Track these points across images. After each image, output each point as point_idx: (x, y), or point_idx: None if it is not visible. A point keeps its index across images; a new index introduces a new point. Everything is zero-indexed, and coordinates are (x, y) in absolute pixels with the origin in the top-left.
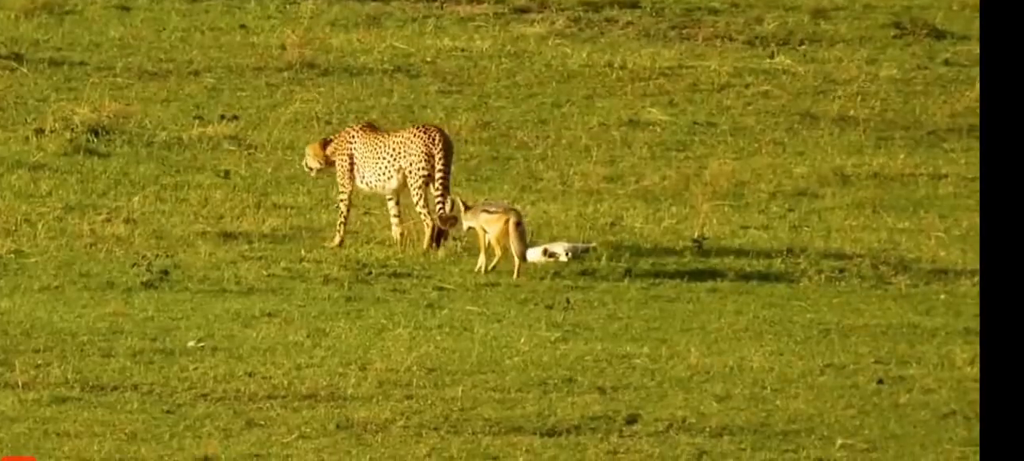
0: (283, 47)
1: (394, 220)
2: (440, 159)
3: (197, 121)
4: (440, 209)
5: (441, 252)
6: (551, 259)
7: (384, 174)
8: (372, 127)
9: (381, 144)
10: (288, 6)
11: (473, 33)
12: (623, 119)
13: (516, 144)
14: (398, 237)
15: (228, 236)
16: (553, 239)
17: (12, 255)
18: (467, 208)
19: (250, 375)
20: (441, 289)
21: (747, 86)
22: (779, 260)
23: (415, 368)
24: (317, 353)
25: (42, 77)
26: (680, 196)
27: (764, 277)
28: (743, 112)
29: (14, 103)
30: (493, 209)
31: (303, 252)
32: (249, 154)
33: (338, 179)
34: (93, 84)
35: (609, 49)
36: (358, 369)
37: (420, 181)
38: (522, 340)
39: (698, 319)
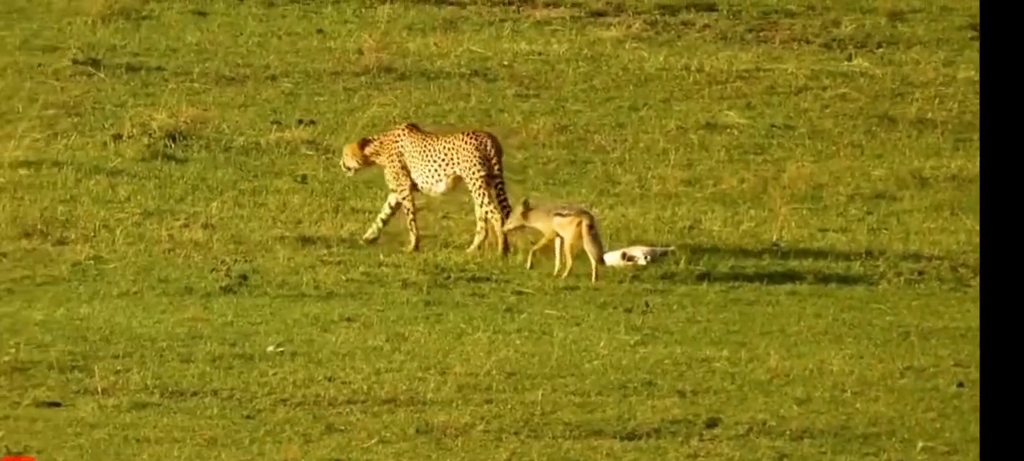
0: (360, 52)
1: (409, 218)
2: (495, 163)
3: (275, 126)
4: (505, 210)
5: (525, 260)
6: (630, 263)
7: (433, 177)
8: (417, 128)
9: (430, 147)
10: (365, 10)
11: (550, 37)
12: (700, 122)
13: (594, 148)
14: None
15: (306, 241)
16: (632, 243)
17: (91, 261)
18: (528, 209)
19: (329, 380)
20: (520, 293)
21: (825, 89)
22: (858, 263)
23: (494, 372)
24: (396, 357)
25: (120, 83)
26: (758, 199)
27: (843, 280)
28: (821, 115)
29: (92, 109)
30: (566, 212)
31: (381, 256)
32: (327, 159)
33: (391, 182)
34: (171, 89)
35: (686, 52)
36: (437, 373)
37: (480, 184)
38: (601, 344)
39: (777, 322)
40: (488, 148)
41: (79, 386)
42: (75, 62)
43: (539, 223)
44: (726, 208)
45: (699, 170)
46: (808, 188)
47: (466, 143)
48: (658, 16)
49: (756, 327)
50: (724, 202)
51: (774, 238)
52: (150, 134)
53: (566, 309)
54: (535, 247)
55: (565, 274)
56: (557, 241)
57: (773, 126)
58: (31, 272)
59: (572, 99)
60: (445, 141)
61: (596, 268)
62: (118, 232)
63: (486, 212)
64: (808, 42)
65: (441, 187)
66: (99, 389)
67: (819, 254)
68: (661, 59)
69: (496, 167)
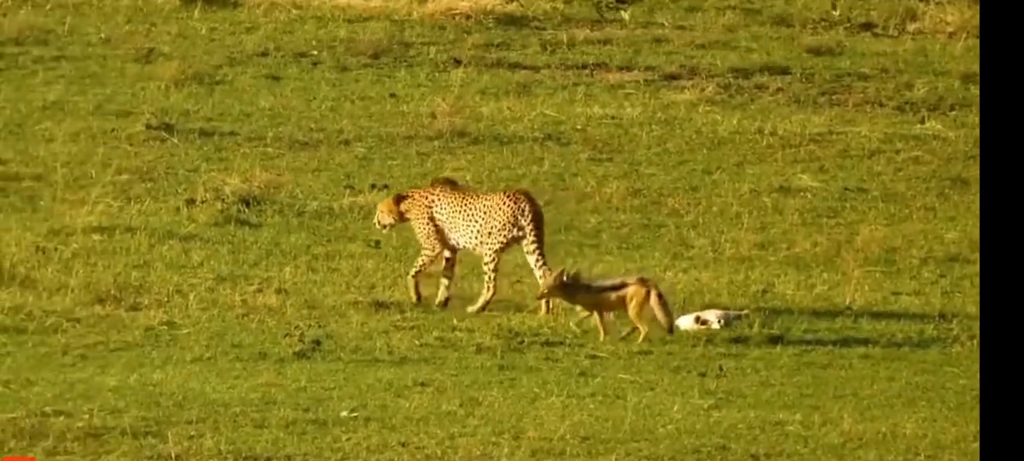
0: (433, 115)
1: (444, 279)
2: (530, 227)
3: (348, 190)
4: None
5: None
6: (703, 327)
7: (478, 236)
8: (454, 184)
9: (471, 205)
10: (438, 75)
11: (623, 100)
12: (774, 185)
13: (667, 211)
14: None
15: (380, 305)
16: (705, 307)
17: (164, 326)
18: (568, 283)
19: (403, 445)
20: (594, 357)
21: (897, 152)
22: (931, 326)
23: (568, 437)
24: (470, 422)
25: (193, 147)
26: (831, 262)
27: (916, 343)
28: (894, 178)
29: (165, 174)
30: (630, 282)
31: (455, 321)
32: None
33: (421, 239)
34: (244, 154)
35: (759, 115)
36: (511, 438)
37: (499, 246)
38: (675, 408)
39: (850, 386)
40: (524, 213)
41: (153, 452)
42: (148, 127)
43: (576, 298)
44: (799, 271)
45: (772, 233)
46: (881, 251)
47: (502, 203)
48: (731, 79)
49: (829, 391)
50: (797, 265)
51: (847, 301)
52: (223, 199)
53: (640, 373)
54: (584, 318)
55: (640, 339)
56: (594, 315)
57: (846, 189)
58: (104, 338)
59: (645, 163)
60: (485, 199)
61: (665, 331)
62: (191, 297)
63: (487, 271)
64: (881, 105)
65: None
66: (173, 455)
67: (892, 317)
68: (734, 122)
69: (532, 230)
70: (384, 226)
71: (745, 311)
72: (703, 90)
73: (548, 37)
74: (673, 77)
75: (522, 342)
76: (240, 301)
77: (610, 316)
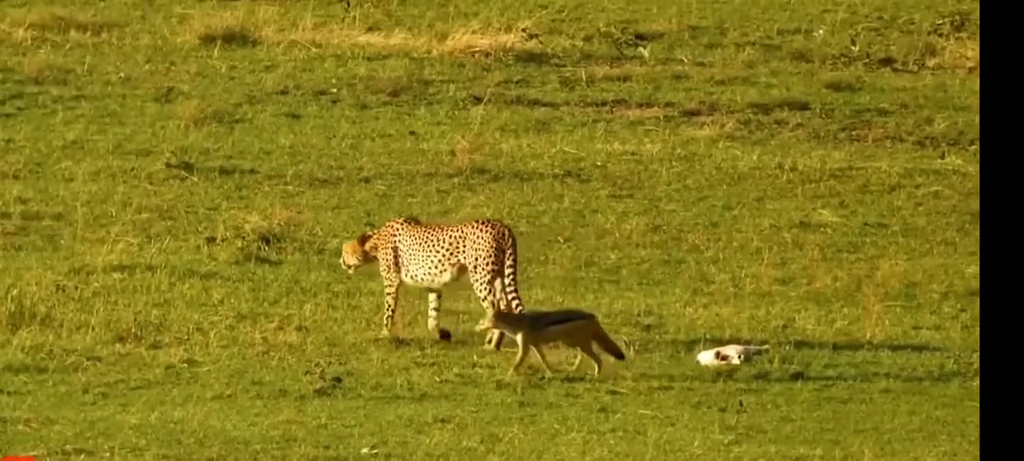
0: (453, 153)
1: (433, 313)
2: (510, 255)
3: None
4: (517, 306)
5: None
6: (724, 362)
7: (437, 268)
8: (416, 221)
9: (432, 238)
10: (458, 112)
11: (643, 137)
12: (794, 221)
13: (687, 247)
14: (435, 332)
15: (400, 343)
16: (726, 342)
17: (184, 364)
18: (511, 316)
19: None
20: (614, 393)
21: (917, 187)
22: (952, 360)
23: None
24: (491, 459)
25: (213, 186)
26: (852, 297)
27: (937, 377)
28: (914, 213)
29: (185, 212)
30: (570, 319)
31: (475, 358)
32: None
33: (383, 273)
34: (264, 192)
35: (779, 151)
36: None
37: (488, 276)
38: (696, 443)
39: (871, 420)
40: (505, 239)
41: None
42: (168, 166)
43: (516, 337)
44: (820, 307)
45: (793, 269)
46: (901, 286)
47: (481, 232)
48: (751, 115)
49: (850, 425)
50: (818, 301)
51: (867, 336)
52: (243, 237)
53: (660, 409)
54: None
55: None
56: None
57: (866, 224)
58: (125, 376)
59: (665, 199)
60: (451, 231)
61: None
62: (212, 335)
63: (485, 305)
64: (901, 140)
65: (445, 278)
66: None
67: (913, 351)
68: (754, 158)
69: (511, 259)
70: (349, 267)
71: (765, 346)
72: (723, 126)
73: (568, 74)
74: (693, 113)
75: (542, 378)
76: (260, 339)
77: (550, 350)
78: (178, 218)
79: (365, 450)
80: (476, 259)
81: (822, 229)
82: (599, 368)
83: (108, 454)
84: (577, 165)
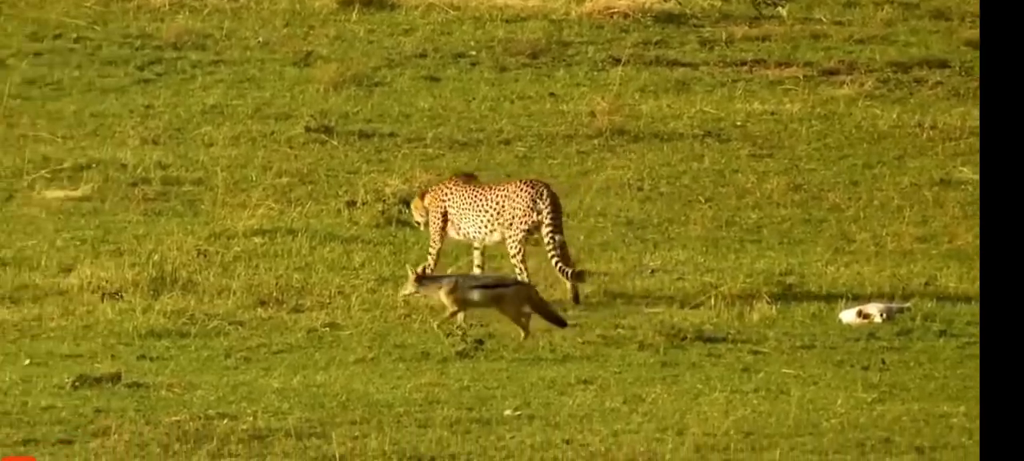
0: (593, 114)
1: (477, 269)
2: (547, 213)
3: None
4: (558, 265)
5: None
6: (866, 320)
7: (486, 227)
8: (469, 179)
9: (482, 197)
10: (597, 73)
11: (782, 96)
12: (934, 179)
13: (828, 206)
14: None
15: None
16: (868, 300)
17: (327, 328)
18: (431, 279)
19: (567, 442)
20: (756, 353)
21: None
22: None
23: (732, 432)
24: (634, 419)
25: (352, 149)
26: None
27: None
28: None
29: (325, 176)
30: (507, 283)
31: (618, 319)
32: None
33: (430, 233)
34: (404, 155)
35: (919, 109)
36: (675, 434)
37: (520, 234)
38: (839, 402)
39: None
40: (543, 198)
41: (317, 453)
42: (308, 130)
43: (439, 294)
44: (961, 264)
45: (934, 226)
46: None
47: (518, 191)
48: (891, 74)
49: None
50: (959, 258)
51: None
52: (384, 200)
53: (803, 368)
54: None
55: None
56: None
57: None
58: (267, 340)
59: (805, 158)
60: (498, 190)
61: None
62: (353, 299)
63: (515, 262)
64: None
65: (495, 237)
66: (337, 456)
67: None
68: (894, 117)
69: (549, 217)
70: (418, 223)
71: (908, 304)
72: (862, 85)
73: (706, 34)
74: (832, 72)
75: (684, 339)
76: (402, 302)
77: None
78: (318, 182)
79: (508, 411)
80: (512, 218)
81: (963, 186)
82: (525, 336)
83: (251, 418)
84: (717, 125)
